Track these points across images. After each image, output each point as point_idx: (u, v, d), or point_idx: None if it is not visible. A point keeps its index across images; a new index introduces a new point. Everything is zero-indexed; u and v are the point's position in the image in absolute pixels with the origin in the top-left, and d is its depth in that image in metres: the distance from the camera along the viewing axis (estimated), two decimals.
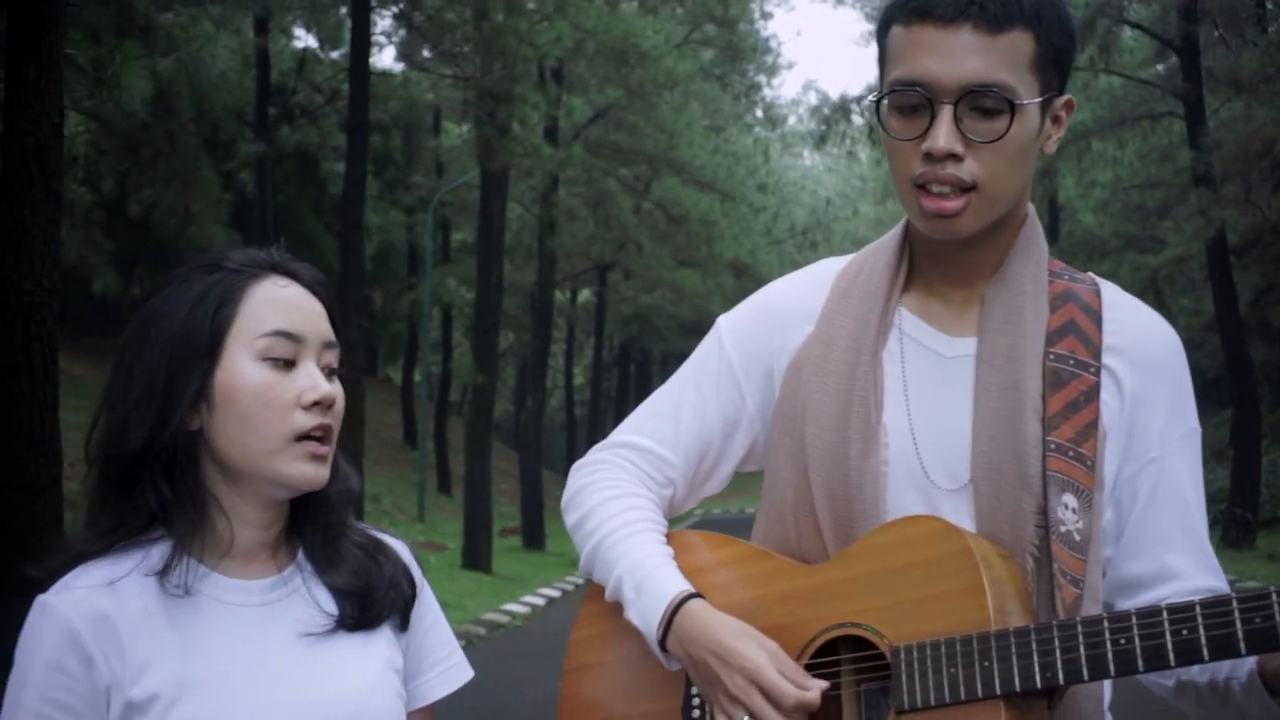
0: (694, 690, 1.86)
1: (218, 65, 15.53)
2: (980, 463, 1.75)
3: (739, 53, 26.58)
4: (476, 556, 18.73)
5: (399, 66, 25.16)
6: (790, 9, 76.85)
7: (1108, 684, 1.76)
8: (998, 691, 1.59)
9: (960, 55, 1.69)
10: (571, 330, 40.88)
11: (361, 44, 13.21)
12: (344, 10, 22.12)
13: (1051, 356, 1.77)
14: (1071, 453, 1.73)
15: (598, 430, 35.34)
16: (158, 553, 1.57)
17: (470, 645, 12.54)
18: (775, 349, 1.94)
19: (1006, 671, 1.59)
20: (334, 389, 1.60)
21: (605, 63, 20.10)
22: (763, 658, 1.72)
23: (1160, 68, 27.64)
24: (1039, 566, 1.72)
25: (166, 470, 1.56)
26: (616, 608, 1.94)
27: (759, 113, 38.24)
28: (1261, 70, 20.94)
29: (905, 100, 1.74)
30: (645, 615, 1.84)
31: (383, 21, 22.40)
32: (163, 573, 1.55)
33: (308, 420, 1.57)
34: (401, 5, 15.89)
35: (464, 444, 21.06)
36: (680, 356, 40.78)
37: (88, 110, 9.90)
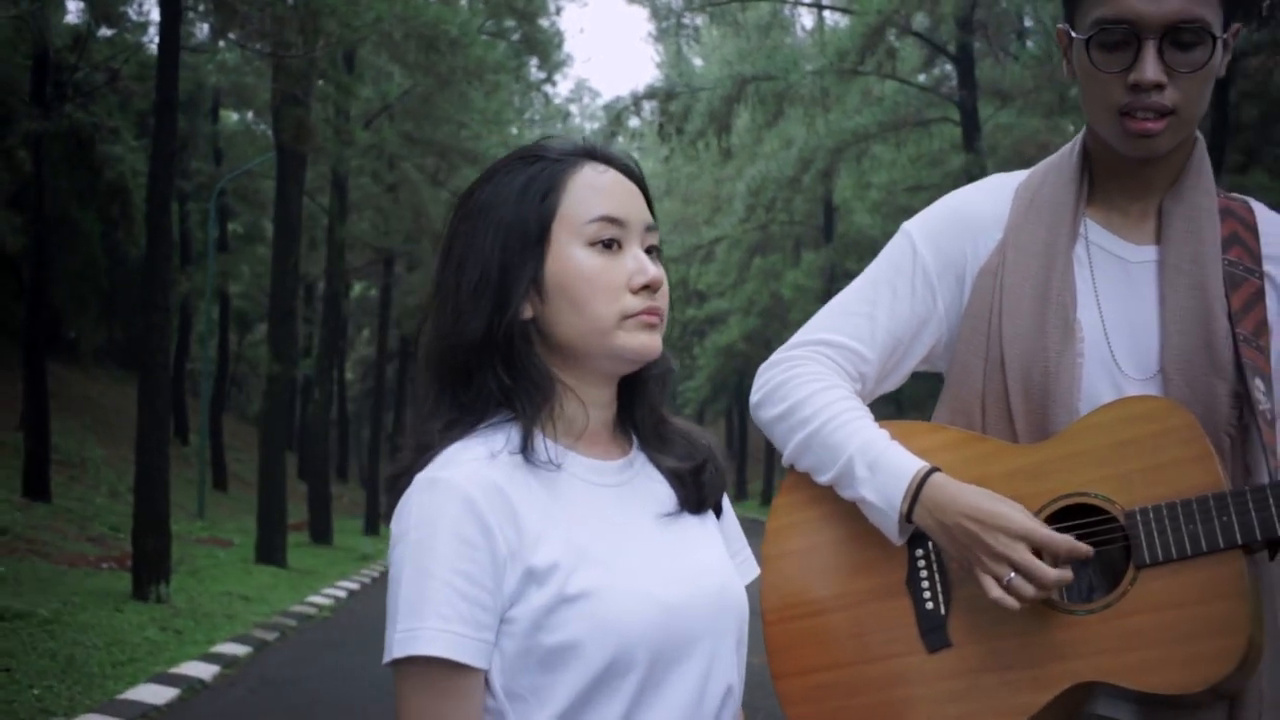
0: (920, 564, 1.99)
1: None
2: (1171, 355, 1.95)
3: (535, 45, 26.61)
4: (271, 551, 18.23)
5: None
6: (583, 4, 76.88)
7: None
8: (1239, 542, 1.76)
9: None
10: (345, 325, 40.00)
11: (172, 15, 12.70)
12: None
13: (1226, 261, 1.99)
14: (1254, 344, 1.94)
15: (380, 427, 34.64)
16: (516, 431, 1.59)
17: (284, 637, 12.32)
18: (967, 254, 2.11)
19: (1246, 524, 1.76)
20: (660, 272, 1.64)
21: (415, 48, 19.83)
22: (1026, 517, 1.85)
23: (923, 76, 28.94)
24: (1233, 445, 1.92)
25: (505, 358, 1.59)
26: (818, 496, 2.06)
27: (539, 107, 38.35)
28: (1031, 80, 22.27)
29: (1110, 37, 1.92)
30: (885, 490, 1.96)
31: None
32: (524, 450, 1.57)
33: (637, 303, 1.60)
34: None
35: (254, 438, 20.43)
36: None
37: None
